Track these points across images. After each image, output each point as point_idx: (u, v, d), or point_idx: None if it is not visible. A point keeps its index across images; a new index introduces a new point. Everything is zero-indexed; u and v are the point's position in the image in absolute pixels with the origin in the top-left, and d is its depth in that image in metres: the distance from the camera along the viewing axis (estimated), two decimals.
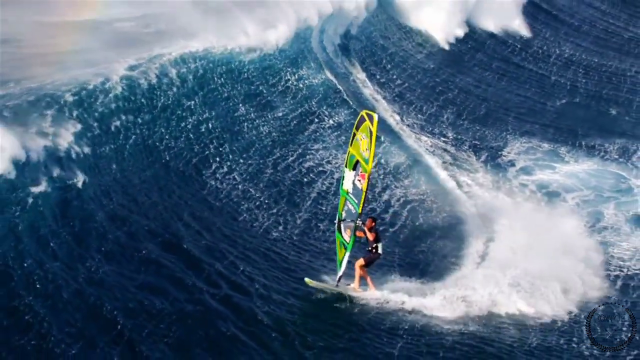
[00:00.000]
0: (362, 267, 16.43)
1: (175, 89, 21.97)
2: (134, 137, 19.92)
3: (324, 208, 20.51)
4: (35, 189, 16.14)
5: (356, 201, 16.01)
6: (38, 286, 14.20)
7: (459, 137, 27.07)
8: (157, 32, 23.45)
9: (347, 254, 16.16)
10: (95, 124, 19.22)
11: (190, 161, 20.29)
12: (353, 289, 16.50)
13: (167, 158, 19.97)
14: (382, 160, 23.44)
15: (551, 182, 24.60)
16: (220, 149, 21.19)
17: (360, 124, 15.90)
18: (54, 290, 14.19)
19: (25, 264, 14.51)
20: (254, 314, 15.17)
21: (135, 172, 18.97)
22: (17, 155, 16.27)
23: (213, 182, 19.83)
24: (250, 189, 20.12)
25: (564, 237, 20.27)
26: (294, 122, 24.14)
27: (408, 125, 26.89)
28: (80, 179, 17.30)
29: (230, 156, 21.15)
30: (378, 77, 29.78)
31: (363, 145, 15.77)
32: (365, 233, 16.18)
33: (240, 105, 23.49)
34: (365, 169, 15.66)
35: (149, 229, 16.96)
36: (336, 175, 21.20)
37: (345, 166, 16.43)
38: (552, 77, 34.33)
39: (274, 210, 19.66)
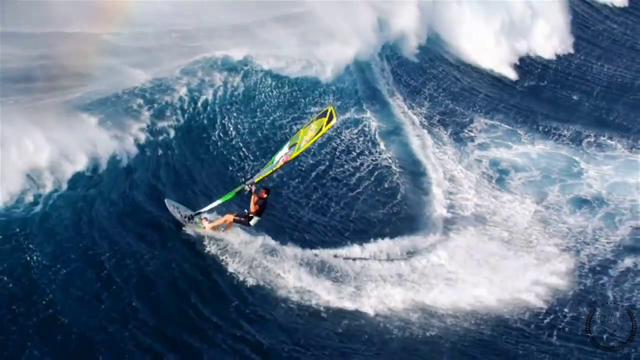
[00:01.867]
0: (229, 221, 16.42)
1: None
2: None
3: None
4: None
5: (266, 169, 16.47)
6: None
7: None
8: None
9: (219, 202, 16.36)
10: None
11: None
12: (204, 227, 16.53)
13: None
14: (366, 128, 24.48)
15: (504, 160, 25.77)
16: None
17: (321, 116, 16.30)
18: None
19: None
20: None
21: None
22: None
23: None
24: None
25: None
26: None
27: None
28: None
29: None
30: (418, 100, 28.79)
31: (309, 134, 16.22)
32: (254, 198, 16.10)
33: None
34: (293, 155, 16.17)
35: None
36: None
37: (288, 141, 17.02)
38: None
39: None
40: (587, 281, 19.99)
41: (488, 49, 32.65)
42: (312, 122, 16.63)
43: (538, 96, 31.57)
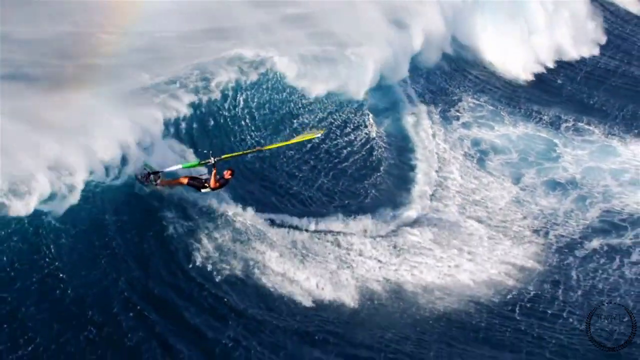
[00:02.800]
0: (182, 182, 16.82)
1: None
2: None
3: None
4: None
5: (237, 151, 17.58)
6: None
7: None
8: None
9: (180, 166, 16.74)
10: None
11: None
12: (156, 184, 16.88)
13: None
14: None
15: (485, 141, 26.54)
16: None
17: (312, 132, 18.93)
18: None
19: None
20: None
21: None
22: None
23: None
24: None
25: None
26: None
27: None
28: None
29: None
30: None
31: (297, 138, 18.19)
32: (216, 175, 16.42)
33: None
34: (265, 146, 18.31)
35: None
36: None
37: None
38: None
39: None
40: (554, 261, 20.78)
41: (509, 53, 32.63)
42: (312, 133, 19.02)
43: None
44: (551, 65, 33.73)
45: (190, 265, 16.62)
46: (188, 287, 16.27)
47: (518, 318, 18.13)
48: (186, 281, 16.40)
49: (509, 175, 24.91)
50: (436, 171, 24.04)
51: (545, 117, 29.10)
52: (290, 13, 25.25)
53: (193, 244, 17.04)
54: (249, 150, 17.61)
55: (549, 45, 34.13)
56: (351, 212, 20.68)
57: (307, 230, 19.24)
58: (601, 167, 26.18)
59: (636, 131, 29.39)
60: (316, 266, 18.17)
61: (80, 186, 15.43)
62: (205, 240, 17.21)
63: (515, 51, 32.63)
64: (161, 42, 21.58)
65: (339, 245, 19.16)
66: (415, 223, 21.27)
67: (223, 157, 16.61)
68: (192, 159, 17.84)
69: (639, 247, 22.15)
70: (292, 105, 23.06)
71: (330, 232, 19.62)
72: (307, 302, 17.11)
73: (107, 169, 16.24)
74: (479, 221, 22.13)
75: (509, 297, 18.85)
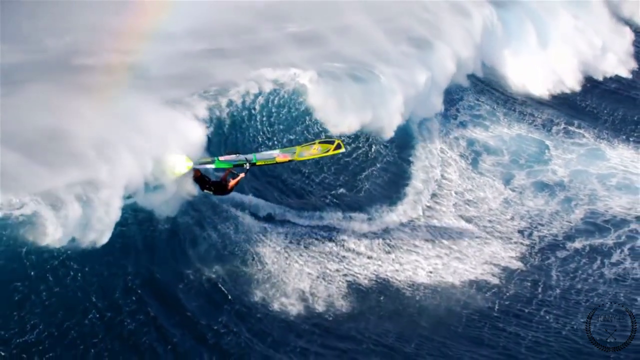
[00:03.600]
0: (194, 174, 16.48)
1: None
2: None
3: None
4: None
5: (264, 157, 16.88)
6: None
7: None
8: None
9: (212, 166, 16.40)
10: None
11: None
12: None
13: None
14: None
15: (479, 141, 27.22)
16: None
17: (326, 142, 17.47)
18: None
19: None
20: None
21: None
22: None
23: None
24: None
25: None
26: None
27: None
28: None
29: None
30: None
31: (313, 150, 17.17)
32: (232, 179, 16.43)
33: None
34: (293, 156, 16.99)
35: None
36: None
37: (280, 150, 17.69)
38: None
39: None
40: (536, 260, 21.47)
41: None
42: (313, 143, 17.60)
43: None
44: (572, 81, 33.88)
45: (190, 253, 17.34)
46: (187, 274, 16.91)
47: (496, 315, 18.80)
48: (186, 267, 17.07)
49: (500, 176, 25.57)
50: (433, 170, 24.71)
51: (539, 118, 29.77)
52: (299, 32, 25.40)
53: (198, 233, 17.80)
54: (277, 161, 16.92)
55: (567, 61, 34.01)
56: (347, 207, 21.44)
57: (303, 225, 20.03)
58: (589, 171, 26.84)
59: (624, 136, 30.03)
60: (309, 259, 18.93)
61: None
62: (208, 231, 17.95)
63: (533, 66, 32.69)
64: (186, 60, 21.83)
65: (332, 240, 19.90)
66: (408, 221, 22.03)
67: (257, 163, 16.62)
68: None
69: (620, 249, 22.79)
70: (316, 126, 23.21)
71: (326, 227, 20.39)
72: (298, 293, 17.83)
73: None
74: (469, 221, 22.88)
75: (489, 295, 19.54)
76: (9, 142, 14.86)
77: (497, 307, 19.12)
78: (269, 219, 19.45)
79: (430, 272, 19.97)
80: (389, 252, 20.31)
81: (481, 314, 18.76)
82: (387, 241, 20.76)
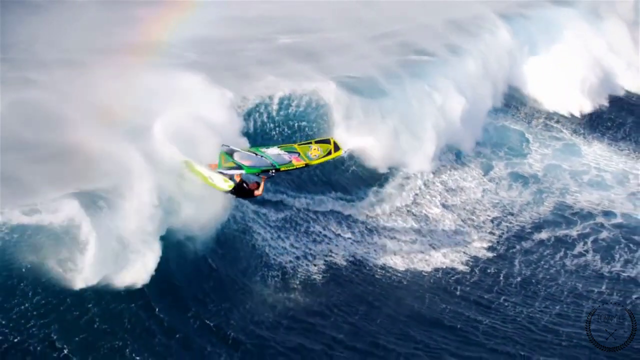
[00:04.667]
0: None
1: None
2: None
3: None
4: None
5: (278, 161, 16.39)
6: None
7: None
8: None
9: (242, 172, 16.05)
10: None
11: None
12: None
13: None
14: None
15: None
16: None
17: (322, 142, 17.30)
18: None
19: None
20: None
21: None
22: None
23: None
24: None
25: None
26: None
27: None
28: None
29: None
30: None
31: (313, 152, 16.92)
32: (257, 186, 16.27)
33: None
34: (305, 160, 16.67)
35: None
36: None
37: (278, 146, 17.11)
38: None
39: None
40: (502, 249, 22.55)
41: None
42: (310, 142, 17.47)
43: None
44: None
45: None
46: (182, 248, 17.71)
47: (457, 300, 19.88)
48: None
49: (480, 166, 26.58)
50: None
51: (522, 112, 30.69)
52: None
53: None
54: (298, 165, 16.58)
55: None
56: (334, 190, 22.57)
57: (294, 207, 21.18)
58: (562, 166, 27.87)
59: (599, 133, 30.98)
60: (295, 239, 20.11)
61: None
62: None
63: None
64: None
65: (317, 221, 21.03)
66: (392, 206, 23.18)
67: (281, 169, 16.47)
68: None
69: (584, 241, 23.84)
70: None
71: (314, 209, 21.62)
72: (279, 269, 19.02)
73: None
74: (448, 208, 23.94)
75: (453, 280, 20.63)
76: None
77: (459, 292, 20.20)
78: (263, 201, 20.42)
79: (404, 256, 21.06)
80: (368, 235, 21.42)
81: (444, 298, 19.84)
82: (368, 225, 21.87)
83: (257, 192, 16.23)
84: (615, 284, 22.18)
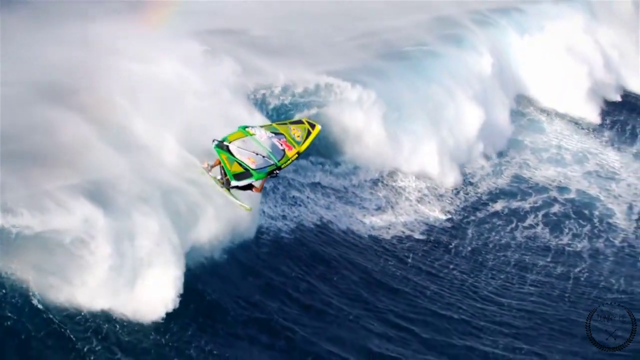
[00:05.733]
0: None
1: None
2: None
3: None
4: None
5: (275, 156, 15.70)
6: None
7: None
8: None
9: (252, 180, 15.44)
10: None
11: None
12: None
13: None
14: None
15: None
16: None
17: (297, 123, 16.53)
18: None
19: None
20: None
21: None
22: None
23: None
24: None
25: None
26: None
27: None
28: None
29: None
30: None
31: (295, 132, 16.23)
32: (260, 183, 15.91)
33: None
34: (294, 145, 15.88)
35: None
36: None
37: (260, 126, 16.18)
38: None
39: None
40: (457, 218, 23.84)
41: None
42: (286, 123, 16.68)
43: None
44: None
45: None
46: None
47: (409, 266, 21.13)
48: None
49: None
50: None
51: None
52: None
53: None
54: (292, 157, 15.89)
55: None
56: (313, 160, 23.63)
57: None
58: (525, 142, 29.07)
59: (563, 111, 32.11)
60: (274, 203, 21.28)
61: None
62: None
63: None
64: None
65: (294, 188, 22.19)
66: (366, 178, 24.41)
67: (282, 166, 15.89)
68: None
69: (535, 214, 25.16)
70: None
71: (294, 179, 22.72)
72: (254, 230, 19.59)
73: None
74: (420, 178, 25.15)
75: (407, 246, 21.90)
76: None
77: (411, 259, 21.44)
78: None
79: (367, 224, 22.30)
80: (339, 203, 22.68)
81: (396, 264, 21.07)
82: (340, 193, 23.14)
83: (256, 189, 16.00)
84: (560, 256, 23.51)
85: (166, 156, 16.08)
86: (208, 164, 15.47)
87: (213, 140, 15.00)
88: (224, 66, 19.71)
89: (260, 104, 21.66)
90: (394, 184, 24.65)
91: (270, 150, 15.50)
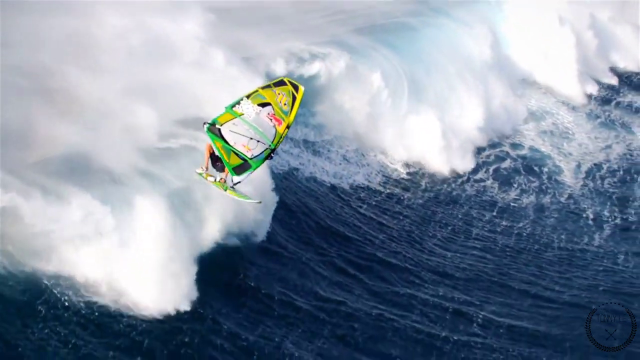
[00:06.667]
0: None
1: None
2: None
3: None
4: None
5: (268, 136, 14.36)
6: None
7: None
8: None
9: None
10: None
11: None
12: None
13: None
14: None
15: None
16: None
17: (279, 85, 15.05)
18: None
19: None
20: None
21: None
22: None
23: None
24: None
25: None
26: None
27: None
28: None
29: None
30: None
31: (281, 99, 14.94)
32: None
33: None
34: (283, 117, 14.67)
35: None
36: None
37: (247, 97, 14.62)
38: None
39: None
40: (411, 170, 24.97)
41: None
42: (270, 86, 15.11)
43: None
44: None
45: None
46: None
47: (361, 215, 22.21)
48: None
49: None
50: None
51: None
52: None
53: None
54: (283, 132, 14.46)
55: None
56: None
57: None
58: None
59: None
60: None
61: None
62: None
63: None
64: None
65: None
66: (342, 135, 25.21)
67: (275, 147, 14.45)
68: None
69: (486, 168, 26.58)
70: None
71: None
72: None
73: None
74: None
75: (362, 197, 23.03)
76: None
77: (363, 209, 22.49)
78: None
79: (331, 172, 23.37)
80: (316, 157, 23.79)
81: (350, 212, 22.15)
82: (317, 147, 24.08)
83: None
84: (506, 211, 24.74)
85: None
86: (203, 167, 14.68)
87: (204, 124, 14.02)
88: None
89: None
90: (363, 141, 25.35)
91: (262, 131, 14.41)
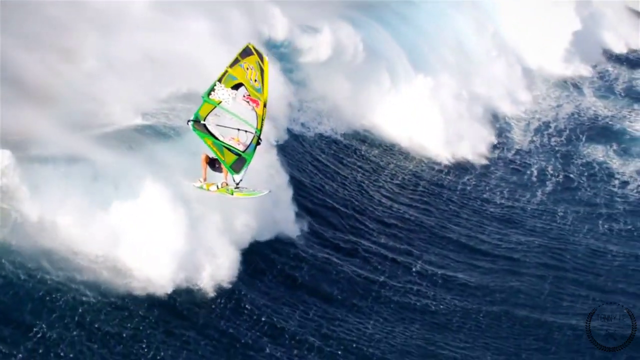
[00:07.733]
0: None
1: None
2: None
3: None
4: None
5: (250, 121, 13.99)
6: None
7: None
8: None
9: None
10: None
11: None
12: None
13: None
14: None
15: None
16: None
17: (246, 54, 14.12)
18: None
19: None
20: None
21: None
22: None
23: None
24: None
25: None
26: None
27: None
28: None
29: None
30: None
31: (251, 75, 14.17)
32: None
33: None
34: (258, 97, 14.02)
35: None
36: None
37: (219, 81, 13.91)
38: None
39: None
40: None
41: None
42: (237, 60, 14.15)
43: None
44: None
45: None
46: None
47: (320, 161, 23.36)
48: None
49: None
50: None
51: None
52: None
53: None
54: (262, 113, 13.88)
55: None
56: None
57: None
58: None
59: None
60: None
61: None
62: None
63: None
64: None
65: None
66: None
67: (261, 131, 13.92)
68: None
69: None
70: None
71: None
72: None
73: None
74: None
75: (322, 145, 24.20)
76: None
77: (322, 157, 23.50)
78: None
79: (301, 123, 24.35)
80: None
81: (308, 159, 23.13)
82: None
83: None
84: (453, 165, 26.04)
85: None
86: (201, 180, 14.44)
87: (188, 122, 13.77)
88: None
89: None
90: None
91: (244, 118, 14.01)
